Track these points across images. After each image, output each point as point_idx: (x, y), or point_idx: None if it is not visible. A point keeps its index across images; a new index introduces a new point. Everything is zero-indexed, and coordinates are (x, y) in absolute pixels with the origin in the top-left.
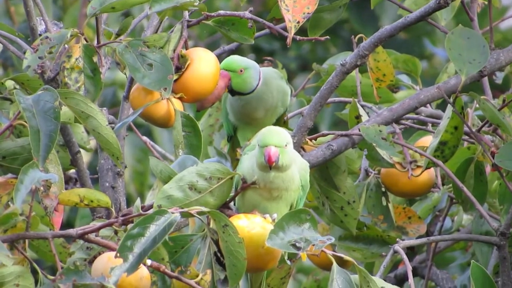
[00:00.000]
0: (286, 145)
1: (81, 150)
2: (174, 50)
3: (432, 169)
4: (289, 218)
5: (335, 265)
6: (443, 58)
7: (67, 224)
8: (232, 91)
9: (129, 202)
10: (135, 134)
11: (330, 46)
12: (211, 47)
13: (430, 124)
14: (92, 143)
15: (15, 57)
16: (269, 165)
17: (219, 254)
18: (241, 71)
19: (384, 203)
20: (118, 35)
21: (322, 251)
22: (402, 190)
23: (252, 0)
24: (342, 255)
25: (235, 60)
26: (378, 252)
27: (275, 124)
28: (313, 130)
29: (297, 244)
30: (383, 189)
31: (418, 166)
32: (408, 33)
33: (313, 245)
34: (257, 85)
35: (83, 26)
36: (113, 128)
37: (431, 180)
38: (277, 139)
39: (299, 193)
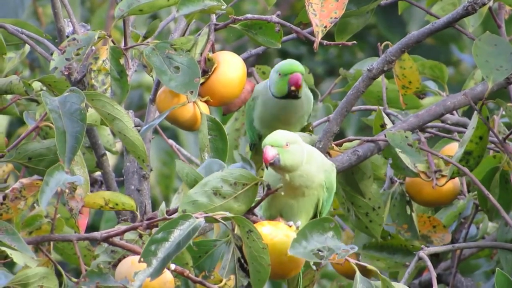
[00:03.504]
0: (287, 145)
1: (107, 152)
2: (201, 54)
3: (456, 178)
4: (312, 227)
5: (358, 274)
6: (470, 64)
7: (92, 227)
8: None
9: (154, 205)
10: (161, 137)
11: (357, 51)
12: (238, 50)
13: (455, 132)
14: (118, 145)
15: (42, 58)
16: (265, 164)
17: (242, 260)
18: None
19: (409, 212)
20: (145, 37)
21: (345, 259)
22: (426, 199)
23: (280, 4)
24: (365, 264)
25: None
26: (402, 262)
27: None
28: (339, 136)
29: (320, 253)
30: (408, 198)
31: (443, 176)
32: (435, 39)
33: (336, 254)
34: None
35: (110, 28)
36: (139, 131)
37: (455, 190)
38: (274, 138)
39: (324, 194)
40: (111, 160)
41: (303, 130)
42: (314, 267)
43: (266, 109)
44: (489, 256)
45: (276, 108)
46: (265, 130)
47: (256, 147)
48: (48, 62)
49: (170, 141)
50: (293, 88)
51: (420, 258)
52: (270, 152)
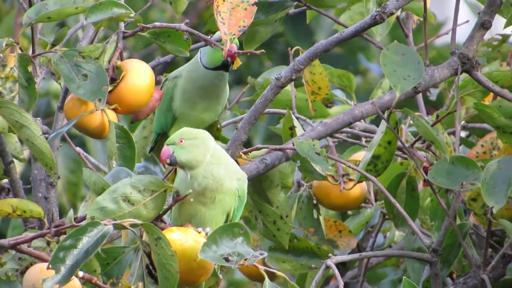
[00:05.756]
0: (181, 141)
1: (15, 160)
2: (109, 61)
3: (364, 183)
4: (222, 232)
5: (267, 280)
6: (378, 73)
7: None
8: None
9: (62, 213)
10: (69, 145)
11: (265, 60)
12: (146, 58)
13: (363, 139)
14: (26, 153)
15: None
16: (163, 164)
17: (151, 267)
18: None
19: (316, 215)
20: (53, 45)
21: (253, 265)
22: (334, 203)
23: (188, 12)
24: (274, 270)
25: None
26: (308, 264)
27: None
28: (247, 144)
29: (229, 257)
30: (315, 202)
31: (351, 180)
32: (343, 48)
33: (245, 259)
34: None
35: (18, 36)
36: (47, 138)
37: (363, 194)
38: (169, 138)
39: (235, 202)
40: (18, 167)
41: (212, 127)
42: (221, 276)
43: (194, 82)
44: (396, 265)
45: (206, 79)
46: (184, 110)
47: (160, 142)
48: None
49: (78, 149)
50: (229, 59)
51: (327, 267)
52: (164, 151)
